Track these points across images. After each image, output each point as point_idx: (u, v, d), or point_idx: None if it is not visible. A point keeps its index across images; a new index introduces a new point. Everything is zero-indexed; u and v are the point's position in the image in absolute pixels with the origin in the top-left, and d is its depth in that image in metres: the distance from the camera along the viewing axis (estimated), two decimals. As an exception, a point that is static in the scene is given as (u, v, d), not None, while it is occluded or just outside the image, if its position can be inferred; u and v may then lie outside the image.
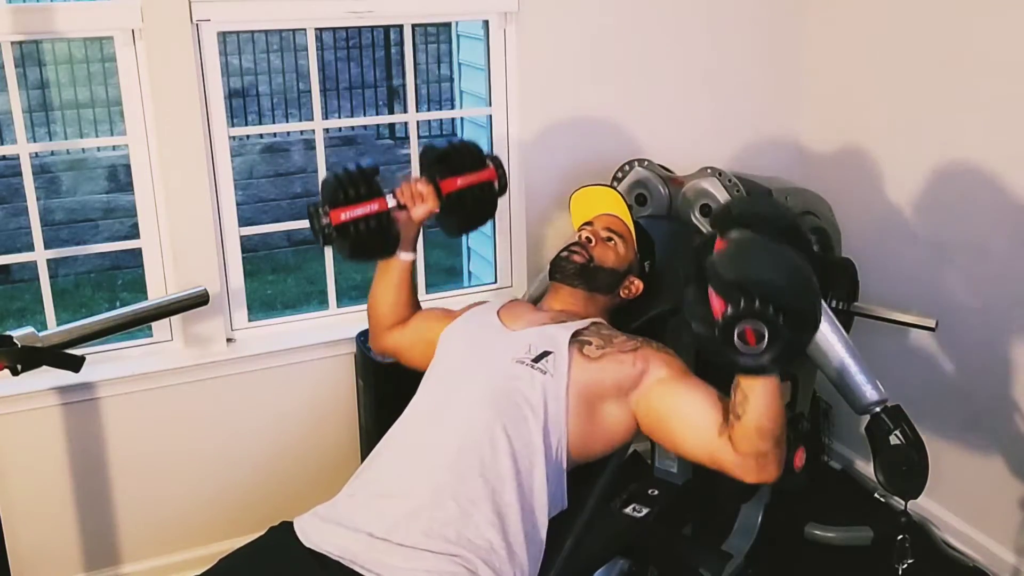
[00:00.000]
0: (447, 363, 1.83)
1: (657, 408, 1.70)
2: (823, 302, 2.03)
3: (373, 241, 1.88)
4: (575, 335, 1.77)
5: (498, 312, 1.90)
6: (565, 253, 1.98)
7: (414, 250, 2.00)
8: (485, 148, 2.06)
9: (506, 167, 2.69)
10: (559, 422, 1.68)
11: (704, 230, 2.26)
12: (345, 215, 1.83)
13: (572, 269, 1.95)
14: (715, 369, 1.57)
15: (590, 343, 1.77)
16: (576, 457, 1.71)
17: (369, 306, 2.06)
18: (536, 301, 2.13)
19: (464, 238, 3.27)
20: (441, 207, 1.96)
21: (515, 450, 1.62)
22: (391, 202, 1.90)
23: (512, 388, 1.69)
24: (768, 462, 1.55)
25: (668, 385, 1.71)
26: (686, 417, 1.65)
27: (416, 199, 1.94)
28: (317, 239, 1.87)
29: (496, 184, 2.01)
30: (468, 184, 1.97)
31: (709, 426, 1.61)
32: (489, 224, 2.85)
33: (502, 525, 1.56)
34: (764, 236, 1.50)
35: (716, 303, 1.45)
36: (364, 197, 1.86)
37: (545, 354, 1.73)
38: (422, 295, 2.81)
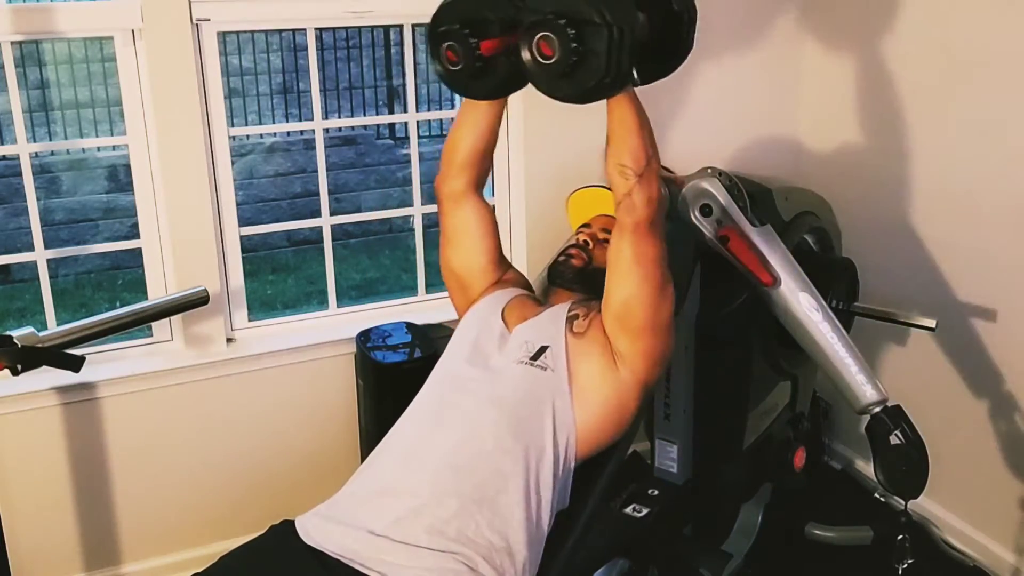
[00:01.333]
0: (451, 365, 1.83)
1: (604, 302, 1.75)
2: (823, 301, 2.04)
3: (515, 76, 1.70)
4: (566, 320, 1.79)
5: (503, 310, 1.89)
6: (563, 258, 1.97)
7: None
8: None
9: (507, 167, 2.70)
10: (566, 419, 1.68)
11: (704, 230, 2.26)
12: (497, 47, 1.67)
13: (571, 274, 1.95)
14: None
15: (577, 316, 1.80)
16: (587, 450, 1.71)
17: (452, 146, 1.94)
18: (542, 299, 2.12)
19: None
20: None
21: (521, 452, 1.62)
22: None
23: (516, 390, 1.69)
24: (633, 200, 1.65)
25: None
26: (607, 270, 1.74)
27: None
28: (449, 75, 1.73)
29: None
30: None
31: (609, 246, 1.74)
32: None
33: (504, 524, 1.56)
34: None
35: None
36: (511, 27, 1.65)
37: (543, 349, 1.74)
38: (422, 294, 2.81)
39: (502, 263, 2.00)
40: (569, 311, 1.82)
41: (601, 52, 1.52)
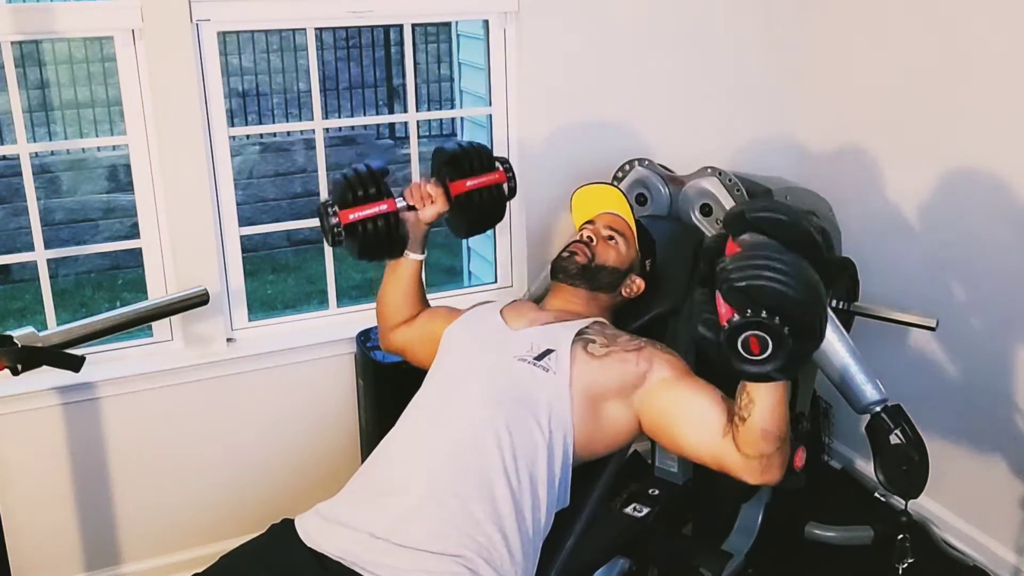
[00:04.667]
0: (449, 362, 1.83)
1: (660, 408, 1.69)
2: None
3: (381, 241, 1.91)
4: (579, 333, 1.77)
5: (501, 311, 1.90)
6: (567, 253, 1.98)
7: (423, 250, 2.03)
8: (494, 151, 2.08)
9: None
10: (564, 419, 1.68)
11: (704, 230, 2.26)
12: (354, 215, 1.87)
13: (574, 269, 1.95)
14: (715, 370, 1.55)
15: (594, 341, 1.77)
16: (581, 455, 1.72)
17: (378, 304, 2.08)
18: (538, 300, 2.13)
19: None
20: (450, 208, 1.99)
21: (517, 447, 1.62)
22: (400, 203, 1.94)
23: (514, 386, 1.69)
24: (772, 464, 1.56)
25: (671, 385, 1.70)
26: (690, 418, 1.65)
27: (425, 200, 1.96)
28: (326, 238, 1.90)
29: (506, 187, 2.04)
30: (477, 186, 2.00)
31: (713, 427, 1.60)
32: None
33: (503, 523, 1.56)
34: (776, 242, 1.50)
35: (723, 309, 1.45)
36: (373, 198, 1.89)
37: (547, 352, 1.73)
38: (422, 295, 2.81)
39: (453, 315, 2.00)
40: (584, 331, 1.80)
41: (802, 356, 1.45)
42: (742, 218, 1.57)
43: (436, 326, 1.97)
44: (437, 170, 2.03)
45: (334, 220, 1.86)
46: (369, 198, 1.88)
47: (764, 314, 1.38)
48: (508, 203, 2.08)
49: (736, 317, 1.41)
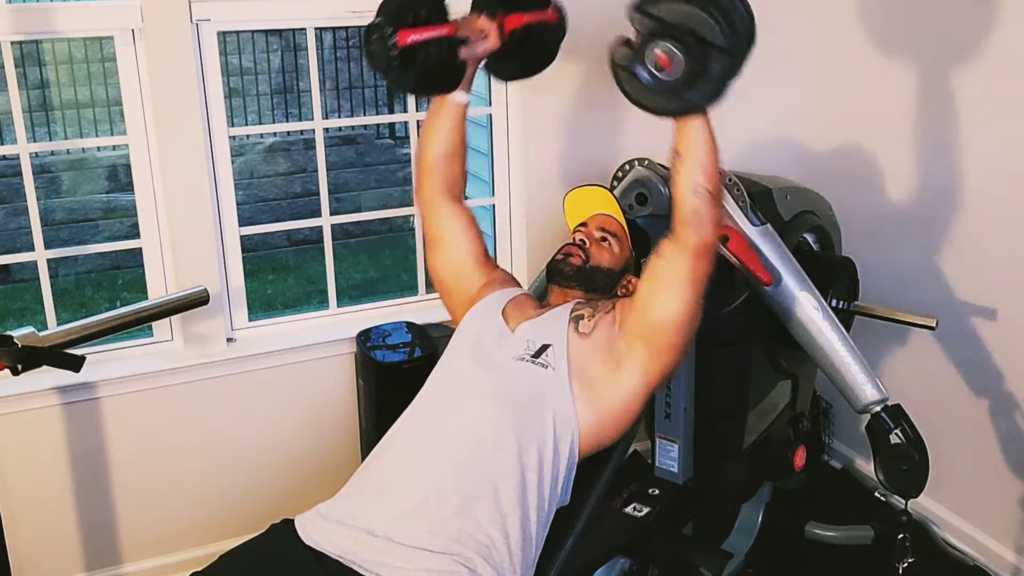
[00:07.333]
0: (452, 363, 1.83)
1: (635, 310, 1.75)
2: (823, 300, 2.04)
3: (440, 70, 1.75)
4: (570, 318, 1.80)
5: (504, 310, 1.89)
6: (560, 256, 1.98)
7: (470, 92, 1.93)
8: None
9: (507, 167, 2.70)
10: (568, 416, 1.68)
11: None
12: (413, 38, 1.67)
13: (570, 271, 1.95)
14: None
15: (582, 317, 1.80)
16: (588, 448, 1.72)
17: (419, 153, 1.98)
18: (540, 298, 2.13)
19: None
20: (502, 46, 1.87)
21: (521, 447, 1.62)
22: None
23: (516, 387, 1.69)
24: (703, 218, 1.64)
25: (634, 297, 1.78)
26: (647, 282, 1.74)
27: (478, 34, 1.86)
28: (375, 66, 1.74)
29: (559, 27, 1.93)
30: (535, 20, 1.87)
31: (656, 262, 1.71)
32: (489, 223, 2.85)
33: (503, 522, 1.56)
34: None
35: (636, 37, 1.50)
36: (434, 20, 1.71)
37: (544, 348, 1.74)
38: (422, 295, 2.81)
39: (487, 264, 2.01)
40: (573, 311, 1.82)
41: (716, 78, 1.49)
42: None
43: (465, 255, 1.97)
44: (488, 4, 1.84)
45: (391, 42, 1.64)
46: (430, 19, 1.69)
47: (668, 24, 1.45)
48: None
49: (644, 31, 1.48)
